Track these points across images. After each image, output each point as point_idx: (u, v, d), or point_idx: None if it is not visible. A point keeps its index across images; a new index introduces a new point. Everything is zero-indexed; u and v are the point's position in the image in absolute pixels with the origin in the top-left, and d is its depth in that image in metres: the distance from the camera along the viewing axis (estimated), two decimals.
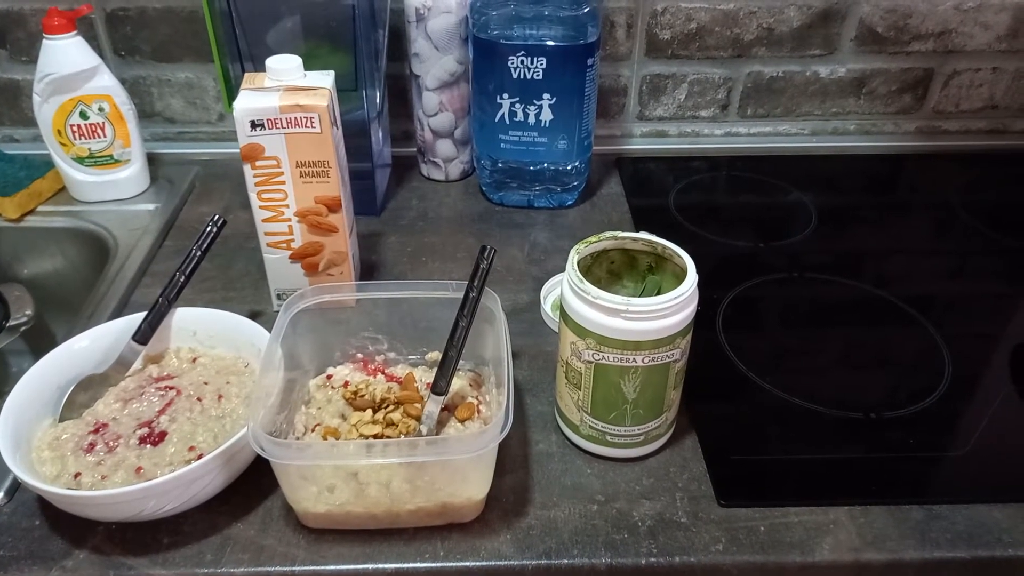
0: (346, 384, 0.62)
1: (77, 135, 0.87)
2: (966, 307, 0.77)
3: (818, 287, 0.80)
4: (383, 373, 0.64)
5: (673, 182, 0.96)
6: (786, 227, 0.88)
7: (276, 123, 0.64)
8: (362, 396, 0.60)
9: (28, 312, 0.84)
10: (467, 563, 0.53)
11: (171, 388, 0.61)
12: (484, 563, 0.53)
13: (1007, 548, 0.54)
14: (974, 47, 0.98)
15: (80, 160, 0.88)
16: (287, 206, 0.68)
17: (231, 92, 0.82)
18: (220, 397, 0.60)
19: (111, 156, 0.89)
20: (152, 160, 0.94)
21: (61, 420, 0.59)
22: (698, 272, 0.55)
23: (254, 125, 0.64)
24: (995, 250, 0.85)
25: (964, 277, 0.82)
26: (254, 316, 0.65)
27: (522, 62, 0.81)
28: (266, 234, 0.69)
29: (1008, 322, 0.75)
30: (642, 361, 0.54)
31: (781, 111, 1.03)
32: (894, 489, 0.58)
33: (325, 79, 0.66)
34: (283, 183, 0.66)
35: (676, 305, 0.53)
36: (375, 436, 0.56)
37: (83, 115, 0.86)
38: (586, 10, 0.79)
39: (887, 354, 0.71)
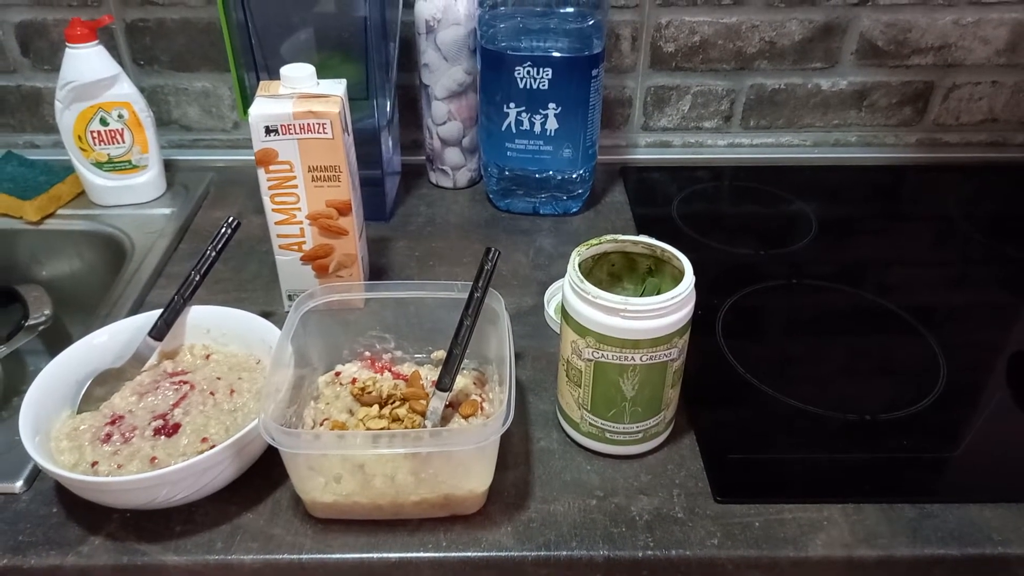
0: (354, 381, 0.64)
1: (97, 141, 0.89)
2: (963, 315, 0.78)
3: (817, 294, 0.81)
4: (390, 371, 0.66)
5: (676, 191, 0.98)
6: (787, 236, 0.90)
7: (289, 129, 0.66)
8: (369, 392, 0.62)
9: (46, 312, 0.87)
10: (469, 554, 0.55)
11: (185, 383, 0.63)
12: (485, 554, 0.54)
13: (997, 547, 0.55)
14: (973, 61, 1.00)
15: (99, 165, 0.91)
16: (299, 209, 0.70)
17: (246, 101, 0.85)
18: (232, 392, 0.62)
19: (129, 162, 0.91)
20: (169, 166, 0.97)
21: (79, 412, 0.61)
22: (700, 279, 0.56)
23: (268, 130, 0.66)
24: (993, 260, 0.86)
25: (962, 286, 0.83)
26: (266, 316, 0.66)
27: (528, 72, 0.83)
28: (278, 236, 0.71)
29: (1004, 330, 0.76)
30: (640, 359, 0.56)
31: (783, 122, 1.05)
32: (887, 488, 0.59)
33: (337, 87, 0.69)
34: (295, 187, 0.69)
35: (673, 305, 0.54)
36: (381, 430, 0.58)
37: (103, 121, 0.88)
38: (591, 22, 0.82)
39: (883, 359, 0.73)
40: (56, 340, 0.87)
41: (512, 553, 0.55)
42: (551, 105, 0.85)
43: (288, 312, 0.62)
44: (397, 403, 0.61)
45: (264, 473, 0.58)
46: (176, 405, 0.61)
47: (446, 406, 0.60)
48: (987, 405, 0.67)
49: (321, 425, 0.60)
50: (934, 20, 0.97)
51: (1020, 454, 0.62)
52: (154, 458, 0.56)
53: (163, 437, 0.58)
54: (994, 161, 1.05)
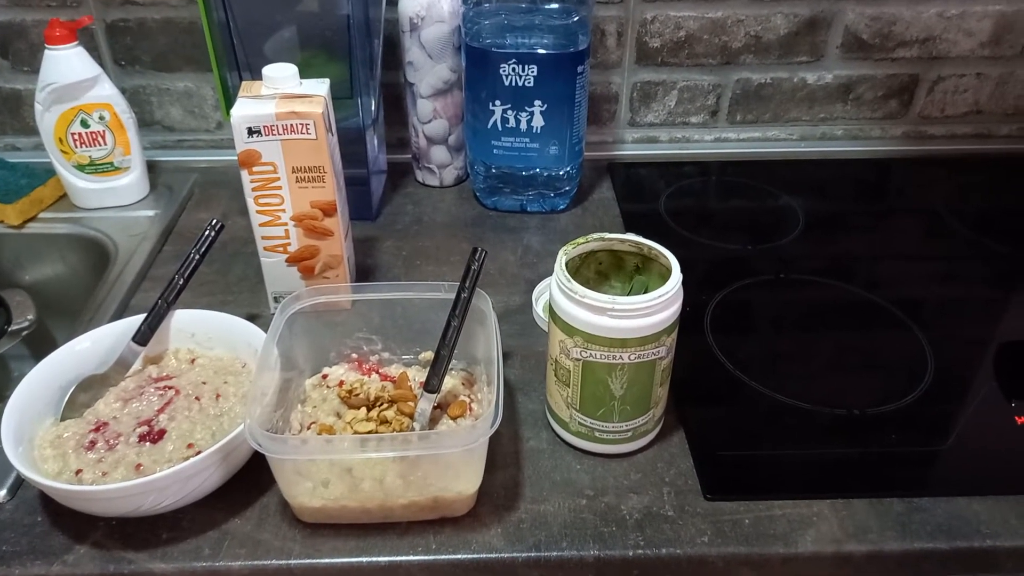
0: (341, 383, 0.63)
1: (78, 143, 0.88)
2: (950, 308, 0.79)
3: (804, 289, 0.81)
4: (377, 373, 0.65)
5: (664, 187, 0.98)
6: (774, 231, 0.90)
7: (272, 130, 0.65)
8: (357, 395, 0.61)
9: (30, 317, 0.86)
10: (458, 556, 0.54)
11: (170, 388, 0.62)
12: (475, 556, 0.54)
13: (985, 539, 0.55)
14: (958, 53, 1.00)
15: (81, 167, 0.90)
16: (283, 210, 0.69)
17: (229, 101, 0.84)
18: (218, 396, 0.61)
19: (111, 164, 0.90)
20: (152, 167, 0.96)
21: (63, 419, 0.60)
22: (687, 275, 0.56)
23: (251, 132, 0.65)
24: (979, 253, 0.87)
25: (948, 279, 0.83)
26: (251, 319, 0.66)
27: (513, 70, 0.82)
28: (263, 238, 0.71)
29: (991, 322, 0.77)
30: (628, 358, 0.55)
31: (769, 117, 1.05)
32: (876, 483, 0.59)
33: (320, 87, 0.68)
34: (279, 188, 0.68)
35: (661, 303, 0.54)
36: (369, 433, 0.58)
37: (84, 123, 0.87)
38: (576, 19, 0.81)
39: (872, 353, 0.73)
40: (40, 345, 0.86)
41: (502, 555, 0.54)
42: (537, 102, 0.84)
43: (274, 314, 0.61)
44: (385, 405, 0.61)
45: (251, 478, 0.58)
46: (161, 411, 0.60)
47: (434, 407, 0.60)
48: (975, 398, 0.67)
49: (308, 428, 0.60)
50: (918, 13, 0.97)
51: (1008, 447, 0.62)
52: (139, 465, 0.56)
53: (148, 443, 0.57)
54: (979, 153, 1.06)
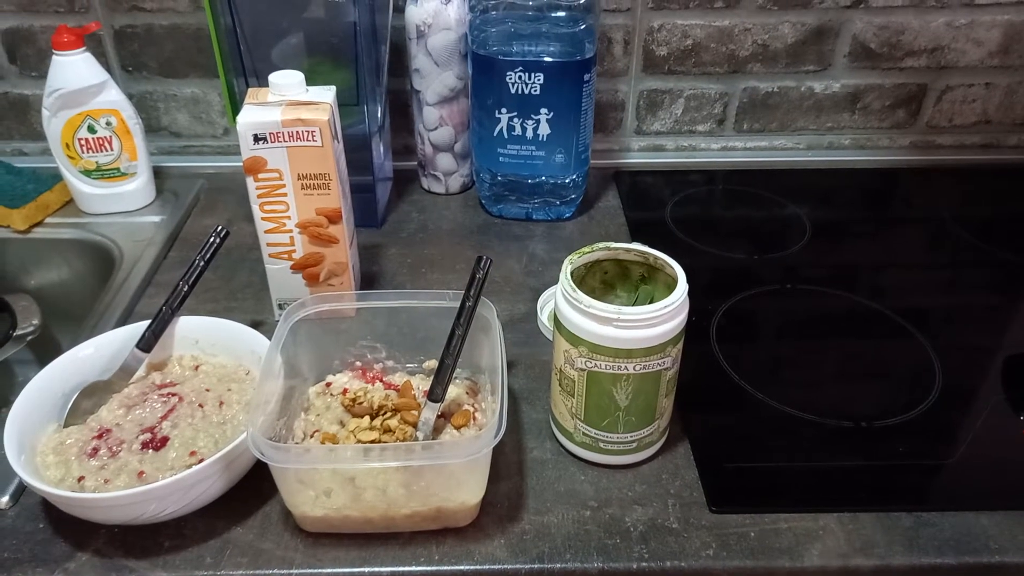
0: (345, 391, 0.63)
1: (85, 149, 0.88)
2: (958, 318, 0.78)
3: (811, 299, 0.81)
4: (381, 381, 0.65)
5: (670, 195, 0.98)
6: (781, 240, 0.89)
7: (278, 136, 0.65)
8: (360, 403, 0.61)
9: (35, 322, 0.86)
10: (461, 567, 0.54)
11: (173, 395, 0.62)
12: (478, 567, 0.54)
13: (994, 555, 0.54)
14: (966, 63, 1.00)
15: (87, 173, 0.90)
16: (289, 217, 0.69)
17: (235, 107, 0.84)
18: (221, 404, 0.61)
19: (118, 169, 0.91)
20: (158, 173, 0.96)
21: (66, 426, 0.60)
22: (693, 284, 0.56)
23: (257, 139, 0.65)
24: (987, 263, 0.86)
25: (956, 289, 0.83)
26: (256, 326, 0.66)
27: (520, 78, 0.82)
28: (268, 245, 0.71)
29: (999, 333, 0.76)
30: (634, 369, 0.55)
31: (776, 126, 1.04)
32: (884, 496, 0.59)
33: (326, 94, 0.68)
34: (285, 195, 0.68)
35: (667, 314, 0.54)
36: (372, 442, 0.57)
37: (91, 129, 0.88)
38: (583, 27, 0.81)
39: (879, 364, 0.72)
40: (45, 350, 0.86)
41: (505, 566, 0.54)
42: (543, 110, 0.84)
43: (278, 322, 0.61)
44: (388, 414, 0.60)
45: (254, 486, 0.58)
46: (164, 418, 0.60)
47: (438, 416, 0.59)
48: (983, 410, 0.66)
49: (312, 437, 0.60)
50: (927, 22, 0.97)
51: (1017, 460, 0.62)
52: (141, 472, 0.55)
53: (151, 451, 0.57)
54: (987, 163, 1.05)
